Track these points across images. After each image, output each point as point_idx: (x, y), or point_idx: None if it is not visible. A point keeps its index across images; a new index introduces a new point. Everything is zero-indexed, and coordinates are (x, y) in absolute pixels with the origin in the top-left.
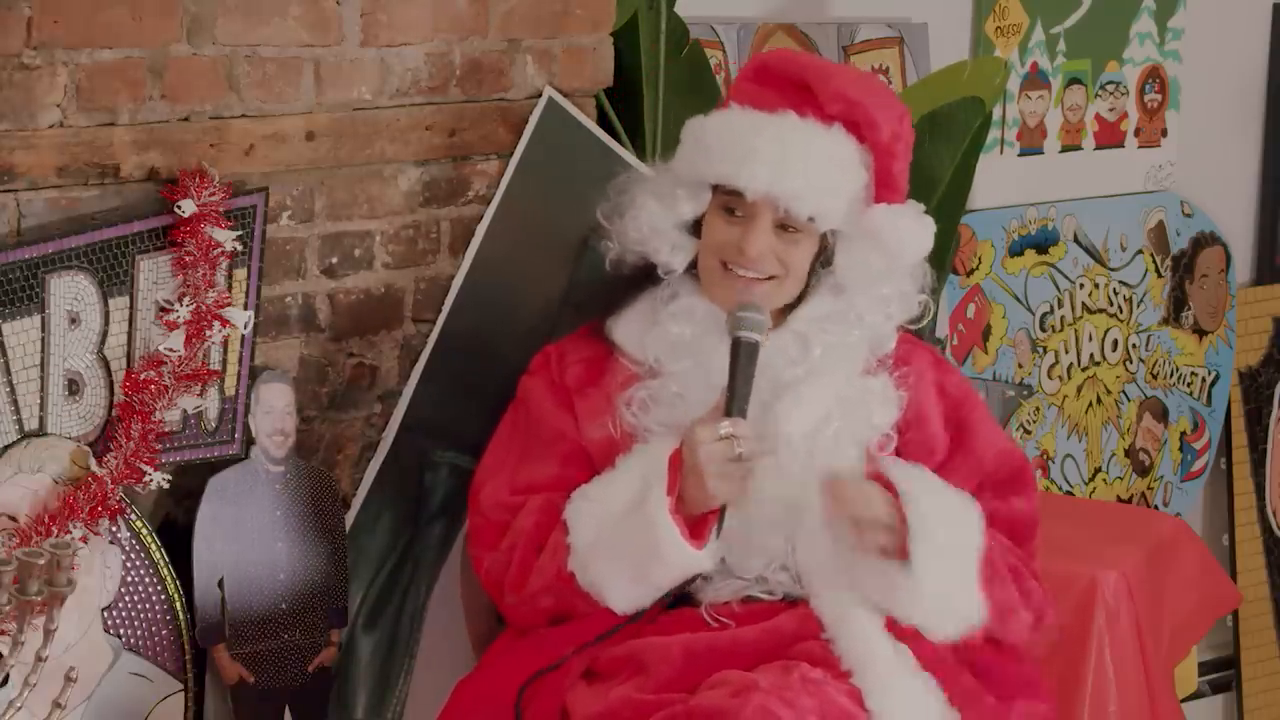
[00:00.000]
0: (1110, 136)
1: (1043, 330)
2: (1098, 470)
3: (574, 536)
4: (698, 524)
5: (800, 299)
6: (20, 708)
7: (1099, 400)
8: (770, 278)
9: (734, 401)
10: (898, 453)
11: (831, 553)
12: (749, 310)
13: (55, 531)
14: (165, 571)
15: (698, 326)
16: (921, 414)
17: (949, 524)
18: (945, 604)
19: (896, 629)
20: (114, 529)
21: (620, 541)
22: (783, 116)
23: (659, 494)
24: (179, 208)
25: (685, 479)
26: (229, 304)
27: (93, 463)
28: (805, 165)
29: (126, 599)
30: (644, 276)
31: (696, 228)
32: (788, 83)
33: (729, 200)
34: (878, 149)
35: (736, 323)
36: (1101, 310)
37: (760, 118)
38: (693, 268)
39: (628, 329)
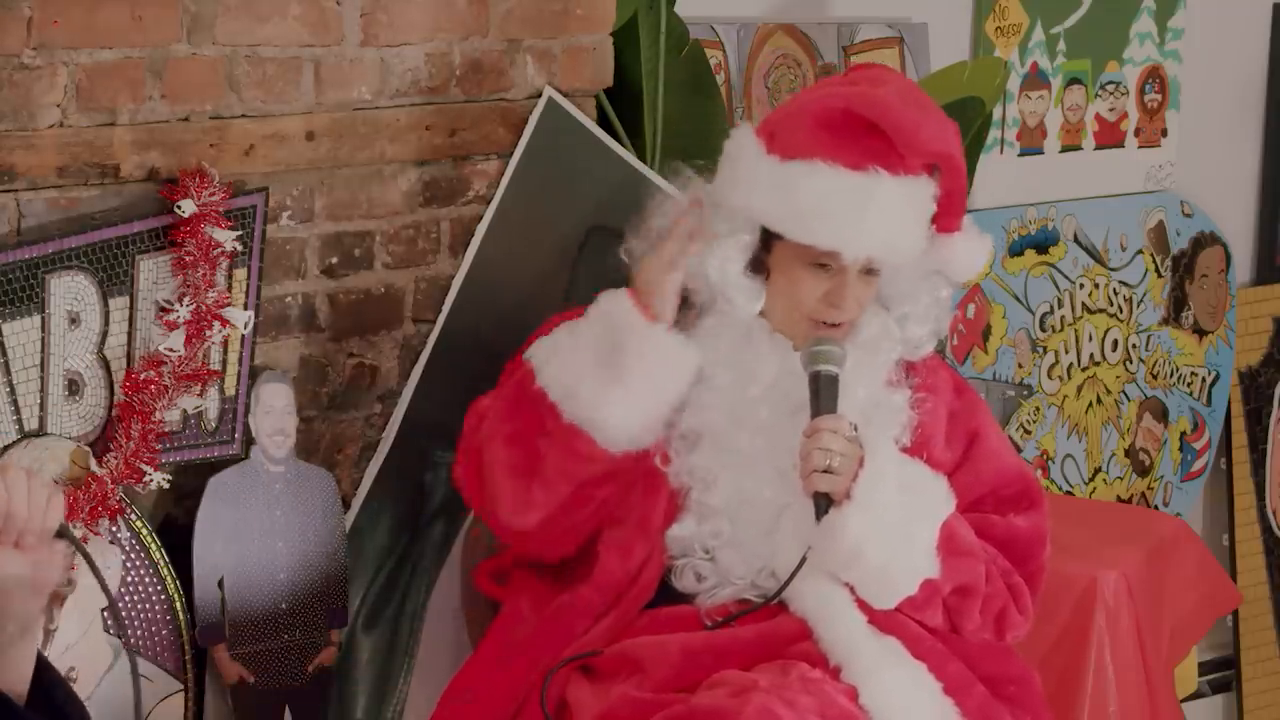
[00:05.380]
0: (1110, 136)
1: (1043, 330)
2: (1098, 470)
3: (534, 356)
4: None
5: None
6: None
7: (1099, 400)
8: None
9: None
10: None
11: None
12: (826, 344)
13: None
14: (165, 571)
15: (735, 337)
16: (926, 436)
17: (902, 484)
18: (886, 558)
19: (880, 621)
20: (114, 529)
21: (582, 335)
22: (876, 178)
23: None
24: (179, 208)
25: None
26: (229, 304)
27: (93, 463)
28: (901, 226)
29: (126, 599)
30: None
31: (751, 263)
32: (866, 129)
33: (818, 255)
34: (953, 188)
35: (814, 357)
36: (1101, 310)
37: (855, 181)
38: None
39: None
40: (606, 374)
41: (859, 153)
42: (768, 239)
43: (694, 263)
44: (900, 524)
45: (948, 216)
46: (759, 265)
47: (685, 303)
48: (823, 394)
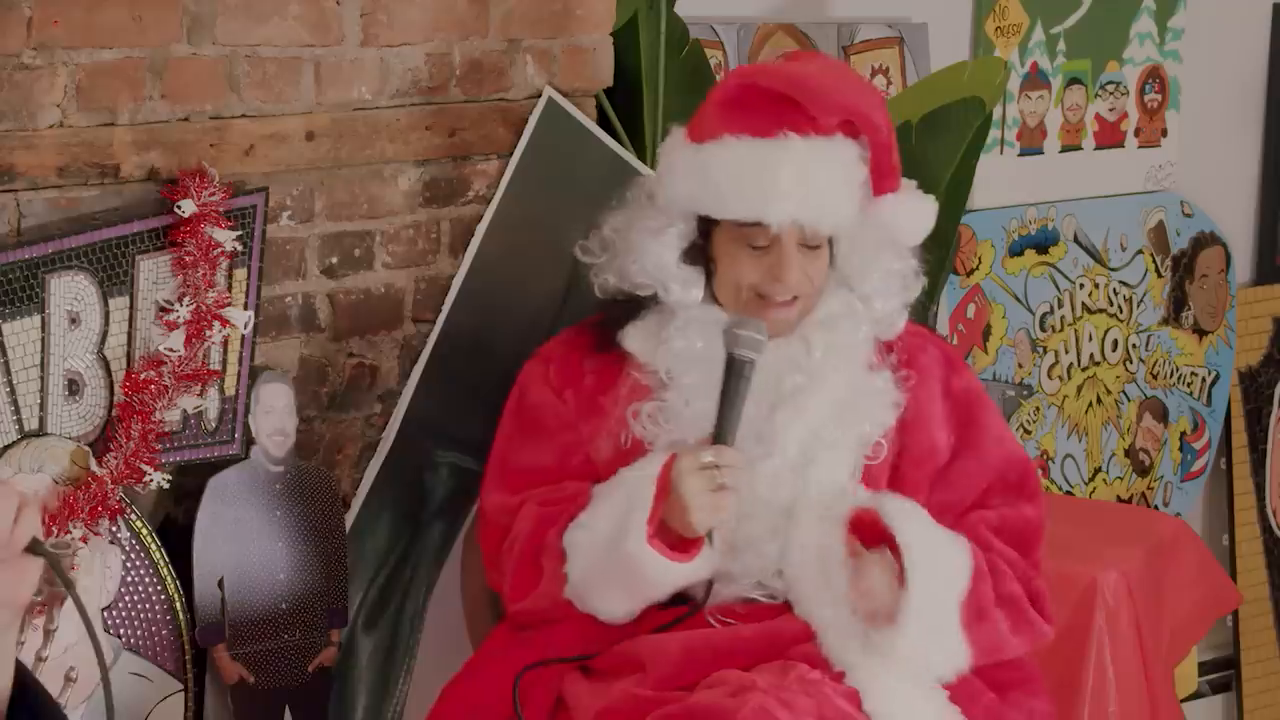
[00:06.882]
0: (1110, 136)
1: (1043, 330)
2: (1098, 470)
3: (570, 566)
4: (686, 539)
5: None
6: None
7: (1099, 400)
8: (798, 297)
9: (721, 424)
10: (895, 460)
11: (817, 563)
12: (748, 327)
13: (55, 531)
14: (165, 571)
15: (706, 337)
16: (921, 416)
17: (937, 584)
18: (923, 661)
19: None
20: (114, 529)
21: (608, 571)
22: (786, 141)
23: (639, 522)
24: (179, 208)
25: (668, 505)
26: (229, 304)
27: (93, 463)
28: (824, 187)
29: (126, 599)
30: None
31: (690, 252)
32: (774, 99)
33: (749, 234)
34: (877, 146)
35: (733, 340)
36: (1101, 310)
37: (765, 147)
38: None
39: (638, 338)
40: (630, 601)
41: (766, 121)
42: (708, 229)
43: (638, 270)
44: (935, 630)
45: (880, 177)
46: (704, 258)
47: (653, 301)
48: (732, 380)
